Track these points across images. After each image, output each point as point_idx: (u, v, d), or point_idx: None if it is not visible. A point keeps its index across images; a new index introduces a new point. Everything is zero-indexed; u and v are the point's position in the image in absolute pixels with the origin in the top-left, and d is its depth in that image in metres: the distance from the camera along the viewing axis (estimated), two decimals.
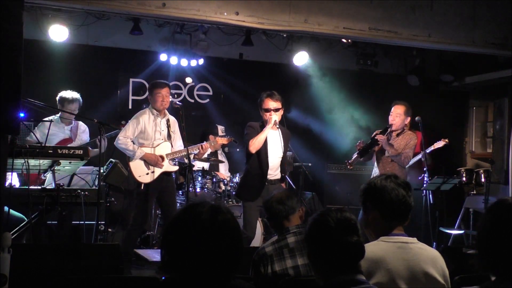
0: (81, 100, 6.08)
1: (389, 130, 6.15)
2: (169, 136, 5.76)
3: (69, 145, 5.80)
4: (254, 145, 5.33)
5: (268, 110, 5.36)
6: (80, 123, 6.20)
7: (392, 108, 6.22)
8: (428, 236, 6.23)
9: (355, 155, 6.23)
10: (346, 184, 7.98)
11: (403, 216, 2.55)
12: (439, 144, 6.77)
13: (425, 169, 6.71)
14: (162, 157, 5.65)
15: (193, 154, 5.96)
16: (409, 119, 6.23)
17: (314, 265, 2.23)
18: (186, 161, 5.61)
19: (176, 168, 5.81)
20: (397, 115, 6.14)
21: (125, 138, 5.60)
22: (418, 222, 6.52)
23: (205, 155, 7.06)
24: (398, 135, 6.22)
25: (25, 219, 4.84)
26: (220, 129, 7.52)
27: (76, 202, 4.78)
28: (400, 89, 8.71)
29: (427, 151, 6.74)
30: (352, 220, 2.19)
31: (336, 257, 2.12)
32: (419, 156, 6.71)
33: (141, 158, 5.60)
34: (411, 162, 6.59)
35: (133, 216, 5.78)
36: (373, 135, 6.24)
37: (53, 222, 5.02)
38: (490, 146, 8.82)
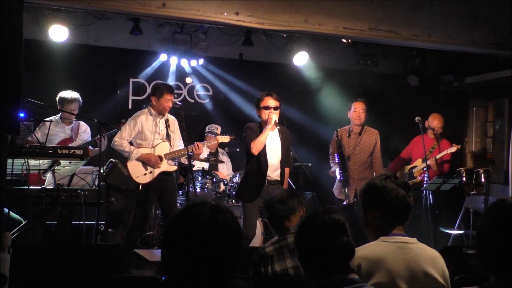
0: (80, 100, 6.06)
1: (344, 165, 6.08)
2: (168, 136, 5.75)
3: (69, 145, 5.80)
4: (256, 146, 5.31)
5: (267, 108, 5.36)
6: (81, 123, 6.19)
7: (354, 105, 6.22)
8: (428, 236, 6.23)
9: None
10: None
11: (403, 216, 2.55)
12: (452, 149, 6.82)
13: (425, 169, 6.72)
14: (160, 157, 5.64)
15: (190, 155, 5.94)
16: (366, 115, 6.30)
17: (305, 268, 2.25)
18: (186, 162, 5.60)
19: (175, 168, 5.80)
20: (362, 110, 6.19)
21: (121, 140, 5.59)
22: (418, 222, 6.53)
23: (205, 155, 7.06)
24: (360, 133, 6.21)
25: (23, 221, 4.83)
26: (208, 127, 7.51)
27: (76, 202, 4.79)
28: (400, 89, 8.71)
29: (438, 156, 6.80)
30: (340, 221, 2.22)
31: (326, 258, 2.14)
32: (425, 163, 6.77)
33: (138, 159, 5.60)
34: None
35: (133, 216, 5.79)
36: (338, 137, 6.20)
37: (52, 222, 5.02)
38: (490, 146, 8.82)
